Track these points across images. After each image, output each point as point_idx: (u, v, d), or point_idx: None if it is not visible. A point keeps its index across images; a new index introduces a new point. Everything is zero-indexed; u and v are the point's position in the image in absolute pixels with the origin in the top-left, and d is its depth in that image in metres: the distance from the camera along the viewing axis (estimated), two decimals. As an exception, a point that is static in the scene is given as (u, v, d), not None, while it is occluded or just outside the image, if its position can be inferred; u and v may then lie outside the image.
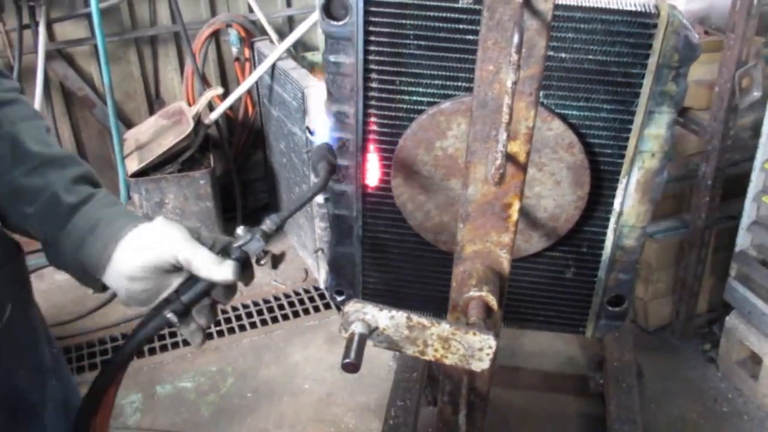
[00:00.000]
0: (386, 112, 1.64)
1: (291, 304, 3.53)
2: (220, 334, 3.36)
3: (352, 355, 1.21)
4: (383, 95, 1.62)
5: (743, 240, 2.89)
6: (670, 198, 3.16)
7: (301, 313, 3.48)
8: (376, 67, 1.59)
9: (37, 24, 3.37)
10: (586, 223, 1.72)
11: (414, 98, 1.61)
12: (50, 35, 3.53)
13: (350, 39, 1.56)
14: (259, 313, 3.47)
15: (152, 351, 3.27)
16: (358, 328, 1.25)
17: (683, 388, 3.04)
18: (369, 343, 1.28)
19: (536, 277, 1.83)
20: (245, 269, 1.20)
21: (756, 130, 2.85)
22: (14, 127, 1.15)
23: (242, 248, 1.20)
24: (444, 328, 1.25)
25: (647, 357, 3.11)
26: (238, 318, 3.44)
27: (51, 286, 3.60)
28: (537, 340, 3.26)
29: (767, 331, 2.81)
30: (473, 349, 1.27)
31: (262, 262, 1.25)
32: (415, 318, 1.25)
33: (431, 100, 1.60)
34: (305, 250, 3.73)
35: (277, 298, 3.57)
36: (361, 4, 1.50)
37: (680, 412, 2.93)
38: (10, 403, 1.19)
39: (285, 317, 3.45)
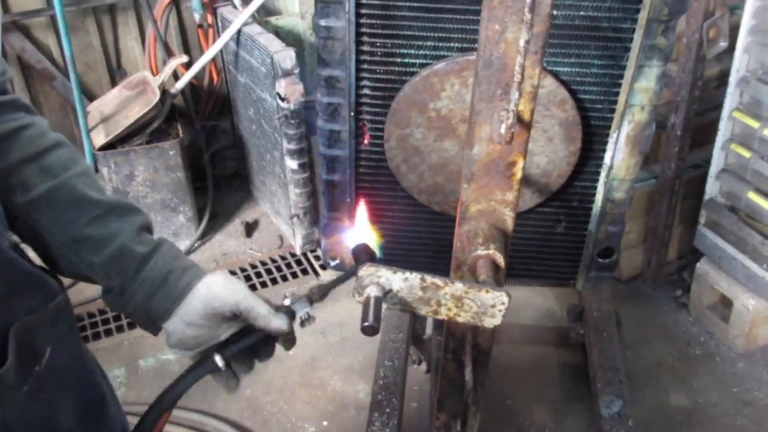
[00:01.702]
0: (379, 75, 1.64)
1: (268, 272, 3.52)
2: (200, 304, 3.34)
3: (371, 318, 1.22)
4: (375, 58, 1.62)
5: (712, 188, 2.96)
6: (640, 150, 3.22)
7: (279, 279, 3.48)
8: (368, 30, 1.58)
9: (-10, -4, 3.25)
10: (577, 178, 1.76)
11: (406, 60, 1.61)
12: (4, 7, 3.41)
13: (341, 2, 1.54)
14: (237, 282, 3.46)
15: (131, 325, 3.24)
16: (373, 291, 1.26)
17: (657, 333, 3.13)
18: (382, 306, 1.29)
19: (528, 233, 1.86)
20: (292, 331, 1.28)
21: (722, 79, 2.92)
22: (68, 173, 1.15)
23: (290, 306, 1.28)
24: (458, 287, 1.27)
25: (622, 306, 3.18)
26: (216, 288, 3.42)
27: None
28: (513, 294, 3.30)
29: (737, 275, 2.91)
30: (486, 306, 1.29)
31: (306, 324, 1.31)
32: (429, 278, 1.27)
33: (424, 61, 1.61)
34: (279, 217, 3.72)
35: (253, 266, 3.56)
36: (353, -33, 1.49)
37: (656, 357, 3.02)
38: None
39: (263, 285, 3.45)
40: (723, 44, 2.72)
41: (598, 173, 1.75)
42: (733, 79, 2.73)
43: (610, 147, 1.70)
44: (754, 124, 2.68)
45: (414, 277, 1.27)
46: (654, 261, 3.28)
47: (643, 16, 1.51)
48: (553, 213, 1.83)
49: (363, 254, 1.45)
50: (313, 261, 3.56)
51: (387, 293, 1.28)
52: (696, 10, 2.66)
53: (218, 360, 1.23)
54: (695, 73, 2.77)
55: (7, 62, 3.48)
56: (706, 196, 3.00)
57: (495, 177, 1.37)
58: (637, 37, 1.54)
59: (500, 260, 1.38)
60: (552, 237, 1.87)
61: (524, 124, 1.29)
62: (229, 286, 1.22)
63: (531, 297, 3.33)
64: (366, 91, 1.66)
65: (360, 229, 1.67)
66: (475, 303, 1.29)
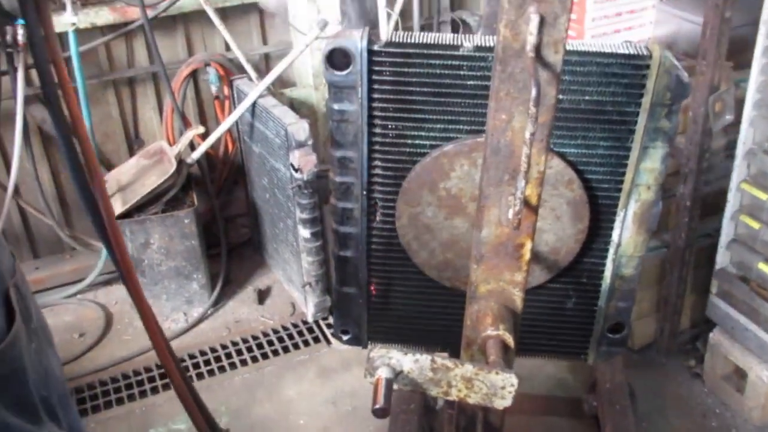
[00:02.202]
0: (390, 156, 1.69)
1: (280, 340, 3.53)
2: (211, 373, 3.35)
3: (381, 400, 1.24)
4: (387, 140, 1.67)
5: (723, 258, 2.97)
6: (649, 219, 3.24)
7: (291, 348, 3.48)
8: (379, 114, 1.63)
9: (15, 70, 3.35)
10: (585, 255, 1.78)
11: (417, 142, 1.66)
12: (28, 80, 3.51)
13: (354, 87, 1.60)
14: (249, 350, 3.47)
15: (143, 394, 3.25)
16: (384, 372, 1.28)
17: (672, 405, 3.10)
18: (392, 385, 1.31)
19: (538, 308, 1.88)
20: None
21: (730, 151, 2.95)
22: None
23: None
24: (467, 368, 1.29)
25: (635, 375, 3.16)
26: (228, 356, 3.43)
27: (35, 332, 3.57)
28: (526, 364, 3.28)
29: (751, 346, 2.89)
30: (496, 387, 1.31)
31: None
32: (439, 360, 1.29)
33: (434, 143, 1.65)
34: (291, 285, 3.75)
35: (265, 334, 3.57)
36: (365, 55, 1.55)
37: (671, 429, 2.99)
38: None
39: (275, 353, 3.45)
40: (729, 117, 2.77)
41: (607, 250, 1.77)
42: (739, 152, 2.76)
43: (617, 225, 1.72)
44: (763, 195, 2.70)
45: (424, 359, 1.29)
46: (667, 330, 3.26)
47: (646, 101, 1.56)
48: (562, 289, 1.85)
49: None
50: (325, 329, 3.57)
51: (398, 374, 1.30)
52: (701, 83, 2.71)
53: None
54: (702, 145, 2.81)
55: (29, 132, 3.58)
56: (717, 266, 3.00)
57: (504, 258, 1.40)
58: (641, 120, 1.58)
59: (510, 341, 1.40)
60: (562, 312, 1.89)
61: (532, 208, 1.33)
62: None
63: (544, 366, 3.31)
64: (378, 170, 1.71)
65: None
66: (485, 384, 1.30)
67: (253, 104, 3.46)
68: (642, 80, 1.54)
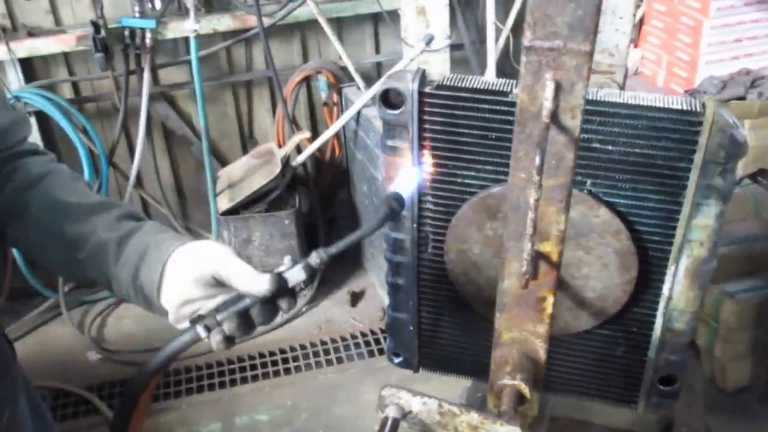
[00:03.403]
0: (440, 193, 1.72)
1: (367, 343, 3.63)
2: (297, 369, 3.50)
3: (385, 439, 1.29)
4: (437, 177, 1.70)
5: (826, 306, 2.80)
6: (748, 257, 3.09)
7: (376, 352, 3.58)
8: (430, 152, 1.67)
9: (142, 70, 3.63)
10: (635, 305, 1.75)
11: (467, 181, 1.69)
12: (154, 79, 3.79)
13: (405, 126, 1.65)
14: (336, 350, 3.60)
15: (233, 382, 3.45)
16: (392, 412, 1.33)
17: (759, 454, 2.97)
18: (403, 424, 1.37)
19: (587, 351, 1.86)
20: (285, 295, 1.25)
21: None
22: (56, 191, 1.26)
23: (282, 274, 1.26)
24: (473, 417, 1.32)
25: (724, 419, 3.04)
26: (315, 354, 3.58)
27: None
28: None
29: None
30: (500, 438, 1.33)
31: (303, 293, 1.32)
32: (446, 405, 1.33)
33: (482, 183, 1.67)
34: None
35: (353, 336, 3.68)
36: (416, 96, 1.59)
37: (754, 481, 2.86)
38: None
39: (360, 356, 3.57)
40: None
41: (657, 302, 1.73)
42: None
43: (668, 278, 1.68)
44: None
45: (432, 402, 1.33)
46: (763, 375, 3.11)
47: (699, 157, 1.51)
48: (611, 336, 1.82)
49: (387, 202, 1.41)
50: (411, 337, 3.64)
51: (406, 414, 1.35)
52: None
53: (200, 330, 1.17)
54: (809, 187, 2.66)
55: (152, 127, 3.86)
56: (820, 315, 2.83)
57: (526, 309, 1.41)
58: (693, 176, 1.53)
59: (526, 391, 1.41)
60: (611, 359, 1.86)
61: (552, 264, 1.34)
62: (210, 250, 1.20)
63: (626, 398, 3.23)
64: (428, 205, 1.75)
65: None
66: (490, 434, 1.33)
67: (358, 113, 3.57)
68: (694, 137, 1.50)
